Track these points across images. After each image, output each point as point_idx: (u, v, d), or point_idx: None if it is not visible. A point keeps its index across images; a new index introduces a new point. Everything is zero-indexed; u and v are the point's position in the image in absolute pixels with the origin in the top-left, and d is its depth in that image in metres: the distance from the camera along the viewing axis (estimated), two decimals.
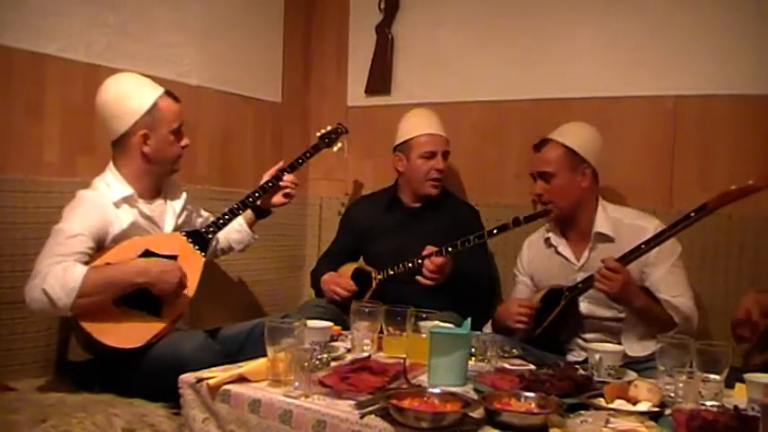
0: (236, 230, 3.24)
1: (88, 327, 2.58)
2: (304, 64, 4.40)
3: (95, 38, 3.18)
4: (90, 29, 3.16)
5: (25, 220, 2.88)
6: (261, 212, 3.29)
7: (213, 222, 3.02)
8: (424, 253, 3.18)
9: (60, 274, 2.49)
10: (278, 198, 3.27)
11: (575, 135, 3.08)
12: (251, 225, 3.28)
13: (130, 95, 2.83)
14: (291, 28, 4.26)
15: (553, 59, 3.66)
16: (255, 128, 4.08)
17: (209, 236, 2.97)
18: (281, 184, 3.24)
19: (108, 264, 2.66)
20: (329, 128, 3.62)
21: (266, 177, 3.25)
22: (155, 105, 2.83)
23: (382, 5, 4.14)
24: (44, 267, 2.51)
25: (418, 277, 3.17)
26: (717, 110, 3.30)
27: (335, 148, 3.61)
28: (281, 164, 3.30)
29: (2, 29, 2.86)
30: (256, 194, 3.17)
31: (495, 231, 3.11)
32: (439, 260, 3.14)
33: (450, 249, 3.13)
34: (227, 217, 3.04)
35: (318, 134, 3.59)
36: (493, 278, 3.64)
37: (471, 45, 3.89)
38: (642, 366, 2.65)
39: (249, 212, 3.23)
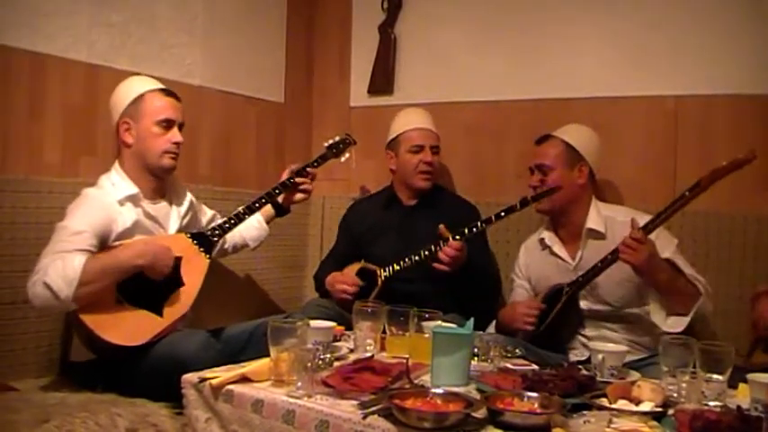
0: (254, 228, 3.28)
1: (90, 323, 2.58)
2: (307, 64, 4.41)
3: (98, 38, 3.18)
4: (92, 29, 3.15)
5: (26, 220, 2.88)
6: (281, 210, 3.34)
7: (219, 226, 3.04)
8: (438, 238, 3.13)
9: (60, 266, 2.49)
10: (297, 195, 3.34)
11: (575, 133, 3.14)
12: (268, 222, 3.33)
13: (123, 89, 2.92)
14: (294, 28, 4.26)
15: (554, 60, 3.67)
16: (258, 128, 4.08)
17: (215, 238, 2.98)
18: (297, 180, 3.29)
19: (106, 250, 2.69)
20: (337, 138, 3.58)
21: (285, 176, 3.30)
22: (140, 96, 2.87)
23: (385, 5, 4.14)
24: (44, 264, 2.51)
25: (435, 264, 3.11)
26: (716, 110, 3.31)
27: (343, 159, 3.59)
28: (288, 169, 3.32)
29: (2, 29, 2.86)
30: (263, 200, 3.18)
31: (502, 214, 3.08)
32: (456, 244, 3.08)
33: (457, 237, 3.09)
34: (232, 221, 3.06)
35: (326, 144, 3.55)
36: (495, 270, 3.61)
37: (473, 45, 3.90)
38: (645, 363, 2.67)
39: (268, 208, 3.29)
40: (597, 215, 3.05)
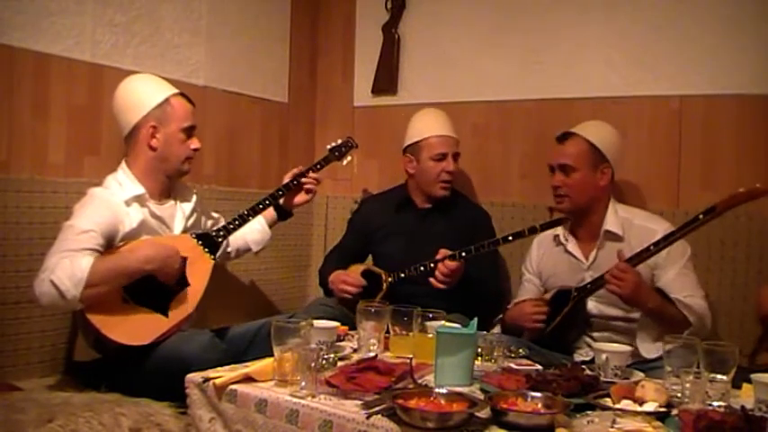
0: (257, 231, 3.27)
1: (96, 322, 2.59)
2: (311, 64, 4.41)
3: (102, 38, 3.18)
4: (97, 29, 3.16)
5: (30, 219, 2.89)
6: (283, 213, 3.33)
7: (224, 227, 3.04)
8: (438, 256, 3.12)
9: (68, 265, 2.49)
10: (300, 197, 3.33)
11: (599, 133, 3.06)
12: (270, 226, 3.32)
13: (144, 90, 2.91)
14: (298, 28, 4.27)
15: (558, 60, 3.66)
16: (262, 128, 4.09)
17: (219, 239, 2.99)
18: (303, 180, 3.29)
19: (114, 252, 2.69)
20: (339, 141, 3.55)
21: (287, 179, 3.30)
22: (167, 101, 2.88)
23: (389, 5, 4.14)
24: (52, 262, 2.51)
25: (431, 279, 3.11)
26: (721, 110, 3.30)
27: (345, 162, 3.56)
28: (291, 173, 3.32)
29: (7, 29, 2.86)
30: (267, 201, 3.18)
31: (510, 238, 3.05)
32: (453, 264, 3.07)
33: (464, 254, 3.07)
34: (237, 222, 3.06)
35: (329, 147, 3.53)
36: (500, 286, 3.59)
37: (477, 45, 3.90)
38: (650, 366, 2.65)
39: (271, 212, 3.28)
40: (615, 217, 3.00)
